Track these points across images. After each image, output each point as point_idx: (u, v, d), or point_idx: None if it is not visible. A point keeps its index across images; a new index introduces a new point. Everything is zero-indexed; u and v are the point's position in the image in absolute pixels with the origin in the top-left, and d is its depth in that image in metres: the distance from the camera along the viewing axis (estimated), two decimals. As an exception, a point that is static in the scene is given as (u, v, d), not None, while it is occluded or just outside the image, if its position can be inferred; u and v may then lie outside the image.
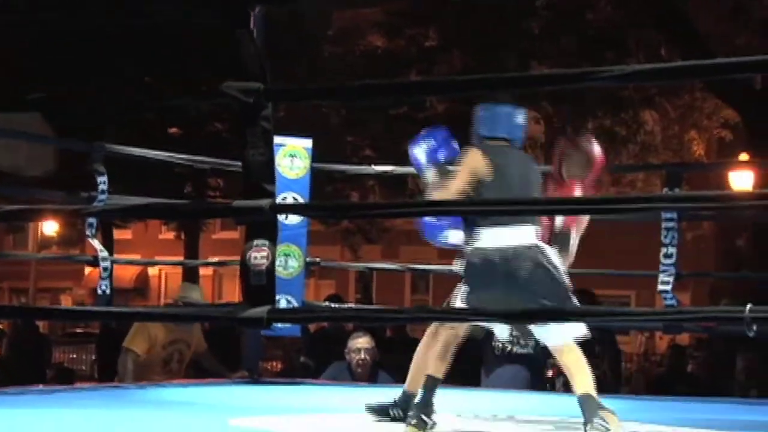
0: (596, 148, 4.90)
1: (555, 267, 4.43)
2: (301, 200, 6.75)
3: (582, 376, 4.40)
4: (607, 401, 5.57)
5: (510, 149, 4.66)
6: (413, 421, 4.48)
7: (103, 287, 6.50)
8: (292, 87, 6.68)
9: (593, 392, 4.36)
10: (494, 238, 4.45)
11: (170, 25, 12.05)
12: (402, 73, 14.33)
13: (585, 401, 4.35)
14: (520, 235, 4.45)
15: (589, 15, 14.21)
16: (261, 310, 3.46)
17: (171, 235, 20.91)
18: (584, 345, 4.52)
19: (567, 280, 4.46)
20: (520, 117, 4.69)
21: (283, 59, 11.79)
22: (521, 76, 7.61)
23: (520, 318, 4.51)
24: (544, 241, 4.71)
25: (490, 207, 4.33)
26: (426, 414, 4.49)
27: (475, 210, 4.43)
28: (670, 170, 6.68)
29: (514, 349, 6.71)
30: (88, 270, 23.16)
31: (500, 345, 6.83)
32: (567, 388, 6.57)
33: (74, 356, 18.82)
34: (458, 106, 14.12)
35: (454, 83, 4.40)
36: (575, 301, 4.48)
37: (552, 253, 4.46)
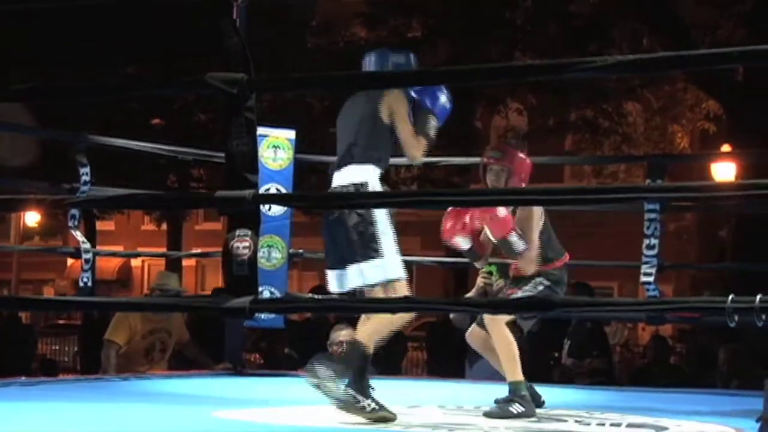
0: (517, 159, 5.06)
1: (368, 212, 4.41)
2: (284, 191, 6.74)
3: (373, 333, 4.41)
4: (591, 393, 5.62)
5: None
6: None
7: (85, 279, 6.47)
8: (275, 77, 6.65)
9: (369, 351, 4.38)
10: (334, 180, 4.58)
11: (154, 13, 12.01)
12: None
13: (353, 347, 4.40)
14: (345, 176, 4.52)
15: (573, 6, 14.22)
16: (243, 300, 3.46)
17: (154, 226, 20.85)
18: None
19: (386, 228, 4.42)
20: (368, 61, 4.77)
21: (266, 50, 11.76)
22: (505, 66, 7.61)
23: (499, 309, 4.53)
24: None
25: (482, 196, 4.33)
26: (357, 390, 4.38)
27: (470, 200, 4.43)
28: (652, 161, 6.69)
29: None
30: (70, 262, 23.09)
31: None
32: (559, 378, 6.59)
33: (57, 348, 18.78)
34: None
35: (438, 74, 4.39)
36: (384, 248, 4.43)
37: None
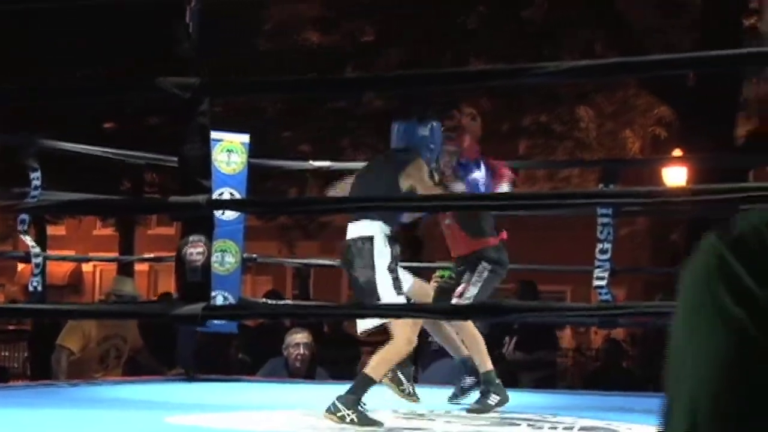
0: (467, 142, 5.42)
1: (371, 261, 4.84)
2: (238, 196, 6.71)
3: (380, 362, 4.76)
4: (544, 396, 5.65)
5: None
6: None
7: (35, 284, 6.40)
8: (228, 81, 6.63)
9: (375, 378, 4.70)
10: (348, 231, 4.99)
11: (106, 16, 11.93)
12: (339, 68, 14.30)
13: (362, 379, 4.70)
14: (357, 229, 4.92)
15: (526, 11, 14.27)
16: (196, 307, 3.44)
17: (106, 230, 20.67)
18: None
19: (384, 275, 4.82)
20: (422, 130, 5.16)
21: (219, 54, 11.70)
22: (458, 71, 7.62)
23: (453, 315, 4.59)
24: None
25: (430, 202, 4.33)
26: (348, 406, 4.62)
27: (417, 205, 4.44)
28: (606, 166, 6.73)
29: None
30: (21, 266, 22.84)
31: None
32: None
33: (6, 354, 18.54)
34: (395, 102, 14.12)
35: (391, 79, 4.40)
36: (381, 293, 4.80)
37: (378, 247, 4.85)
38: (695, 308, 0.81)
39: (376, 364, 4.74)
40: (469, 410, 5.12)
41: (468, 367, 5.43)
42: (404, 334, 4.74)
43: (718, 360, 0.78)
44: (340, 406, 4.53)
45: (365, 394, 4.62)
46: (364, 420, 4.52)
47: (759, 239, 0.78)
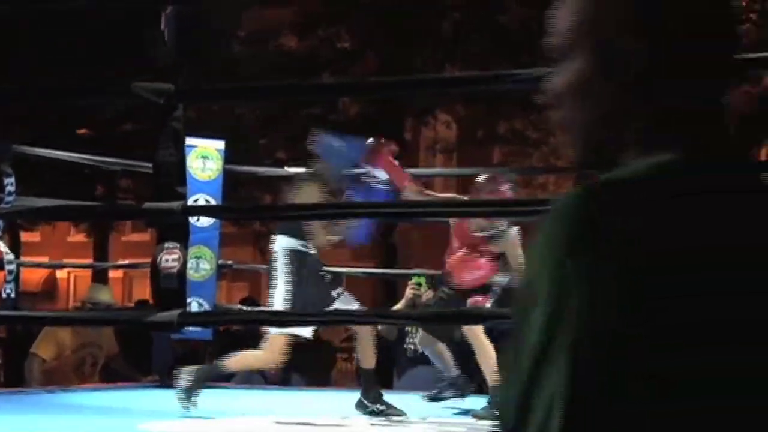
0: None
1: (276, 271, 5.20)
2: (213, 202, 6.69)
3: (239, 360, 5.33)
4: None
5: None
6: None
7: (8, 290, 6.35)
8: (203, 88, 6.61)
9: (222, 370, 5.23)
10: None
11: (81, 21, 11.90)
12: (315, 74, 14.30)
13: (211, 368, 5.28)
14: (275, 242, 5.26)
15: (503, 18, 14.29)
16: (171, 314, 3.43)
17: (80, 237, 20.58)
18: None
19: (287, 284, 5.16)
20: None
21: (195, 60, 11.68)
22: (434, 78, 7.64)
23: (427, 320, 4.59)
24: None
25: (422, 208, 4.33)
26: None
27: (399, 212, 4.44)
28: (581, 172, 6.76)
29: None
30: (-6, 273, 22.64)
31: (412, 347, 6.86)
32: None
33: (-21, 361, 18.41)
34: (371, 108, 14.12)
35: (368, 84, 4.41)
36: (275, 301, 5.19)
37: (282, 259, 5.16)
38: (563, 252, 0.92)
39: (235, 360, 5.24)
40: (474, 415, 5.20)
41: (454, 385, 5.62)
42: (276, 346, 5.18)
43: (595, 287, 0.89)
44: (183, 394, 5.02)
45: (204, 381, 5.07)
46: (188, 400, 5.00)
47: (615, 190, 0.97)
